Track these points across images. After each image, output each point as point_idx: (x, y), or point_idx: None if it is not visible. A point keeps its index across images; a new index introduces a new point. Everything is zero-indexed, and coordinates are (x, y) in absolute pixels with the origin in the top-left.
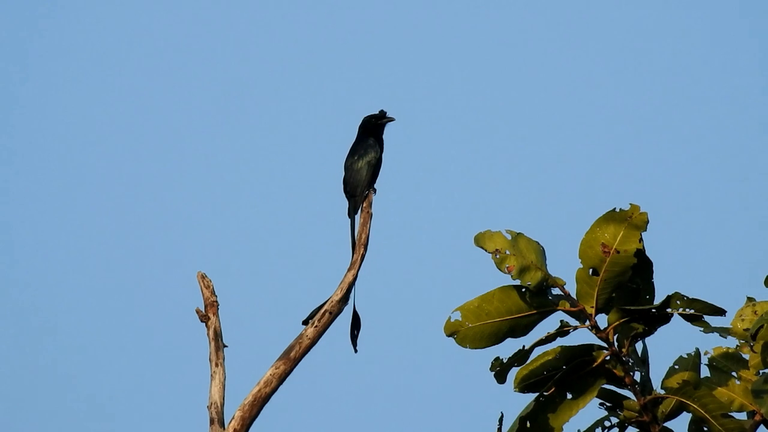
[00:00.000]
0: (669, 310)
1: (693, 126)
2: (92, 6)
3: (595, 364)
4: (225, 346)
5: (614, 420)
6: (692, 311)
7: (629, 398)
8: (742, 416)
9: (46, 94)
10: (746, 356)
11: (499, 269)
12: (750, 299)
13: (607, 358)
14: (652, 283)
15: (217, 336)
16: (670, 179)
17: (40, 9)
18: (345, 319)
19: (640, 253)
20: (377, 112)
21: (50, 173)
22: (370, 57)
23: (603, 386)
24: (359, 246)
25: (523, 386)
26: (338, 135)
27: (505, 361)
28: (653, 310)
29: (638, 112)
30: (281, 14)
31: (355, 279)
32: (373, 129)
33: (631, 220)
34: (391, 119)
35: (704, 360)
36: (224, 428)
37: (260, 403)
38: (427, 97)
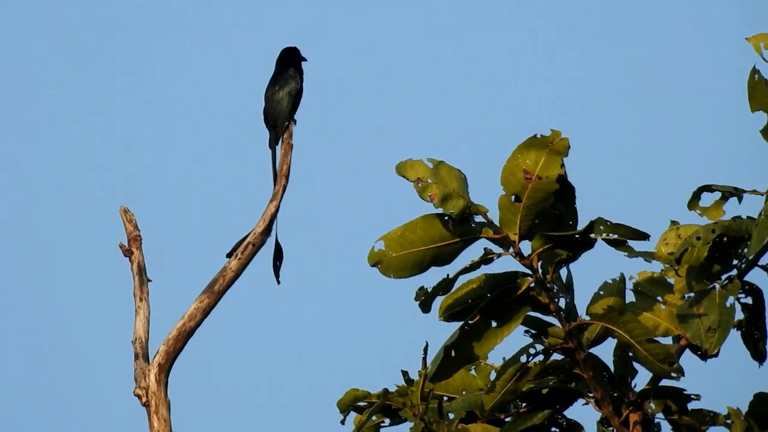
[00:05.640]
0: (592, 235)
1: (613, 47)
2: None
3: (520, 291)
4: (149, 280)
5: (539, 347)
6: (615, 236)
7: (554, 325)
8: (667, 341)
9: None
10: (671, 280)
11: (422, 198)
12: (674, 223)
13: (532, 285)
14: (575, 208)
15: (141, 271)
16: (590, 103)
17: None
18: (268, 250)
19: (562, 179)
20: (294, 46)
21: None
22: None
23: (528, 313)
24: (281, 177)
25: (448, 315)
26: (257, 66)
27: (429, 290)
28: (576, 236)
29: (556, 34)
30: None
31: (277, 210)
32: (292, 60)
33: (553, 146)
34: (303, 59)
35: (629, 285)
36: (149, 363)
37: (185, 337)
38: (348, 27)
